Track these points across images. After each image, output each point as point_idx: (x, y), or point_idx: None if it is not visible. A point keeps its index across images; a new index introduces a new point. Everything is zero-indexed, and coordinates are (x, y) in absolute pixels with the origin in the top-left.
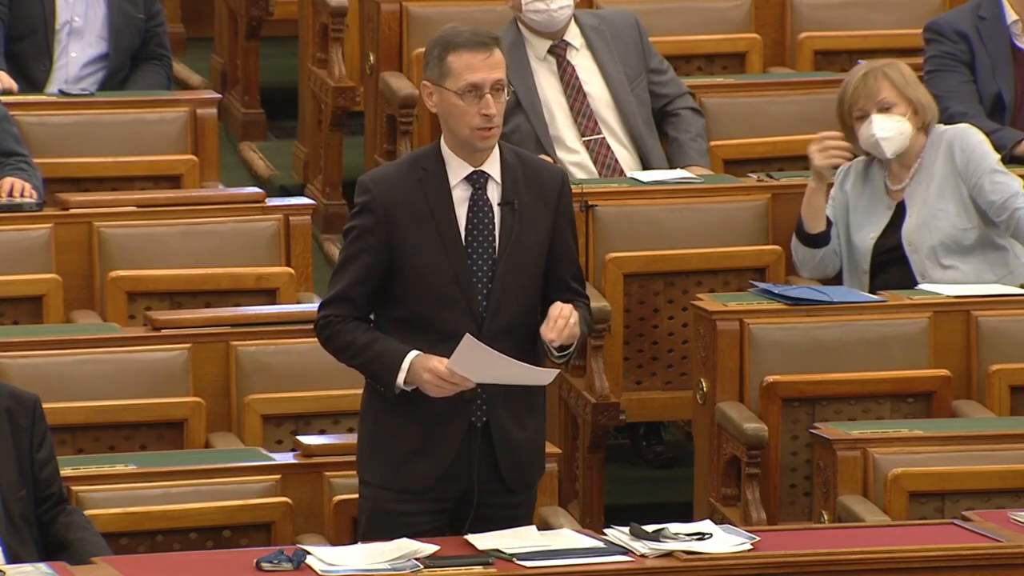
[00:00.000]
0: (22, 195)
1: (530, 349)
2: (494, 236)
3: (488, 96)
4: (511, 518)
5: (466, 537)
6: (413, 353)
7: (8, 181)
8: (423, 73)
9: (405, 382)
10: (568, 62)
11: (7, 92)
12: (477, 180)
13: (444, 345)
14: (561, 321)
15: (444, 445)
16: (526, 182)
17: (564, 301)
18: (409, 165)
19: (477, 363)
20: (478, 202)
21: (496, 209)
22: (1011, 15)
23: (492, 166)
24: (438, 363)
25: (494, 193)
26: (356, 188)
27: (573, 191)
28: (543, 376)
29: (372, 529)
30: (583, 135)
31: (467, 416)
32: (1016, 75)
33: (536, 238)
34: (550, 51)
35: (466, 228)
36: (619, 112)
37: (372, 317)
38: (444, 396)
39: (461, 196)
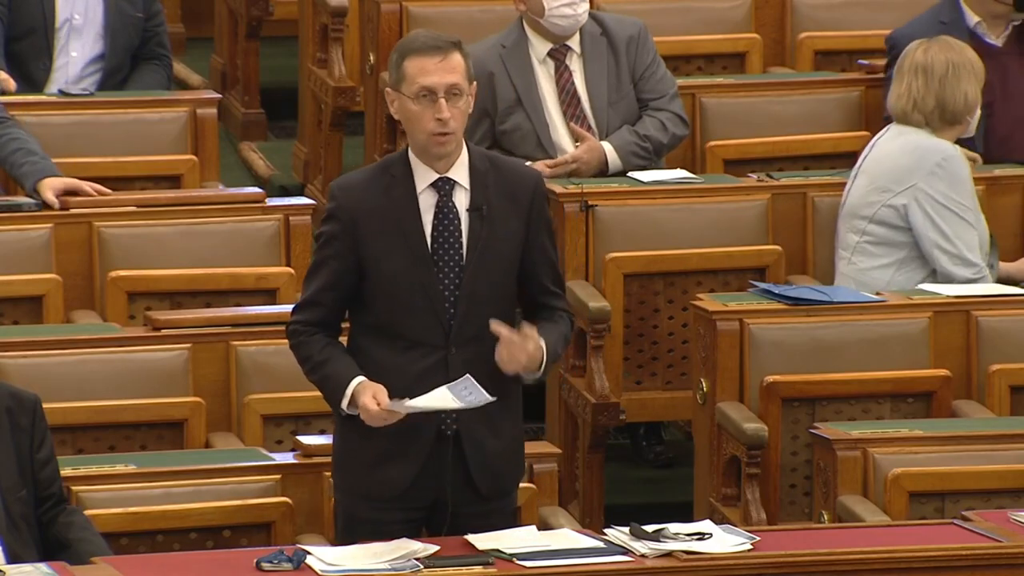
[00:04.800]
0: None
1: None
2: (461, 243)
3: (442, 100)
4: (487, 526)
5: (466, 537)
6: (356, 381)
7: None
8: (388, 80)
9: (349, 406)
10: (566, 66)
11: (5, 92)
12: (443, 187)
13: (412, 352)
14: (513, 349)
15: (412, 453)
16: (497, 187)
17: (543, 307)
18: (378, 171)
19: (416, 404)
20: (444, 209)
21: (464, 216)
22: (973, 17)
23: (459, 172)
24: (370, 401)
25: (462, 199)
26: (328, 194)
27: (573, 191)
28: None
29: (346, 537)
30: (576, 139)
31: (436, 424)
32: (992, 72)
33: (507, 245)
34: (550, 54)
35: (432, 235)
36: (597, 124)
37: (345, 321)
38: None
39: (427, 203)
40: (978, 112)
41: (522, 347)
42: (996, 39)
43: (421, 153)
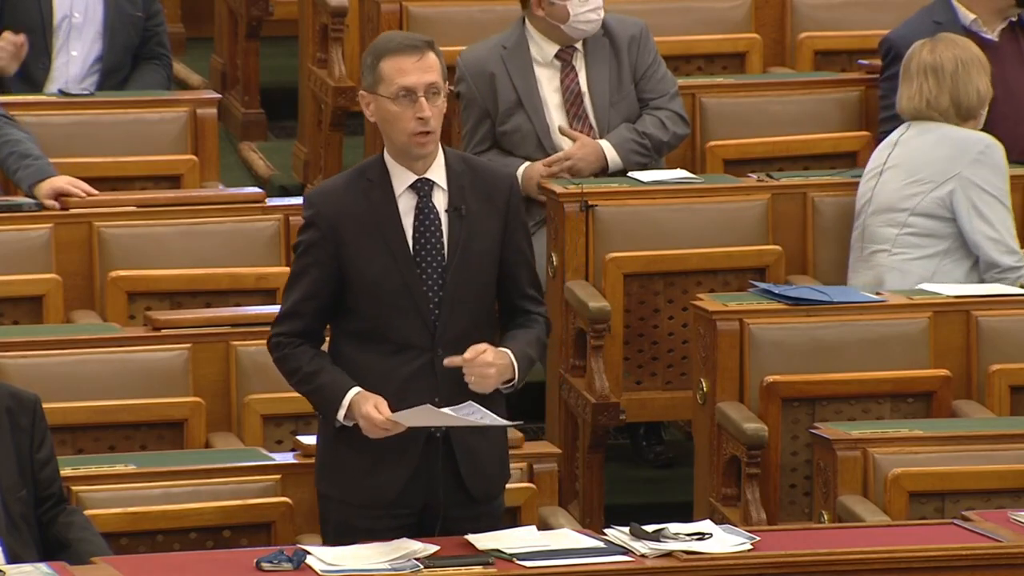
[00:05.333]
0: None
1: None
2: (442, 244)
3: (422, 99)
4: (476, 530)
5: (466, 537)
6: (353, 391)
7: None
8: (361, 84)
9: (345, 417)
10: (572, 67)
11: (18, 48)
12: (422, 188)
13: (399, 356)
14: (473, 369)
15: (403, 458)
16: (473, 187)
17: (520, 311)
18: (354, 176)
19: (423, 417)
20: (424, 210)
21: (443, 216)
22: (968, 15)
23: (437, 173)
24: (373, 410)
25: (440, 200)
26: (303, 202)
27: (573, 191)
28: (486, 420)
29: (337, 543)
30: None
31: (425, 428)
32: (992, 67)
33: (486, 244)
34: (557, 56)
35: (413, 237)
36: (599, 124)
37: (327, 330)
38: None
39: (407, 205)
40: (987, 104)
41: (482, 363)
42: (992, 34)
43: (399, 155)
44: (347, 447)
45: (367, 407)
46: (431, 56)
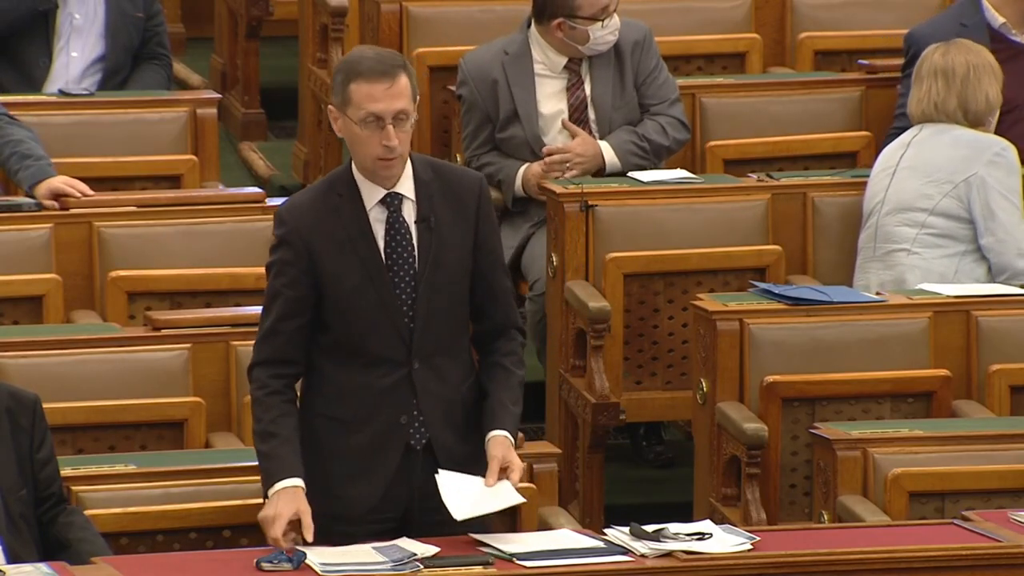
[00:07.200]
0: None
1: (467, 366)
2: (414, 257)
3: (389, 127)
4: (461, 530)
5: (466, 537)
6: (284, 484)
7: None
8: (331, 98)
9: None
10: (579, 76)
11: None
12: (392, 202)
13: (375, 370)
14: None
15: (378, 471)
16: (442, 195)
17: (496, 319)
18: (324, 191)
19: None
20: (394, 224)
21: (413, 228)
22: (998, 18)
23: (405, 185)
24: (276, 526)
25: (410, 212)
26: (274, 220)
27: (573, 191)
28: None
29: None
30: (572, 136)
31: (403, 440)
32: (1020, 73)
33: (457, 252)
34: (567, 66)
35: (385, 252)
36: (600, 129)
37: (306, 351)
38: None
39: (377, 218)
40: (997, 112)
41: (508, 474)
42: (1020, 37)
43: (367, 172)
44: (321, 460)
45: (268, 511)
46: (402, 80)
